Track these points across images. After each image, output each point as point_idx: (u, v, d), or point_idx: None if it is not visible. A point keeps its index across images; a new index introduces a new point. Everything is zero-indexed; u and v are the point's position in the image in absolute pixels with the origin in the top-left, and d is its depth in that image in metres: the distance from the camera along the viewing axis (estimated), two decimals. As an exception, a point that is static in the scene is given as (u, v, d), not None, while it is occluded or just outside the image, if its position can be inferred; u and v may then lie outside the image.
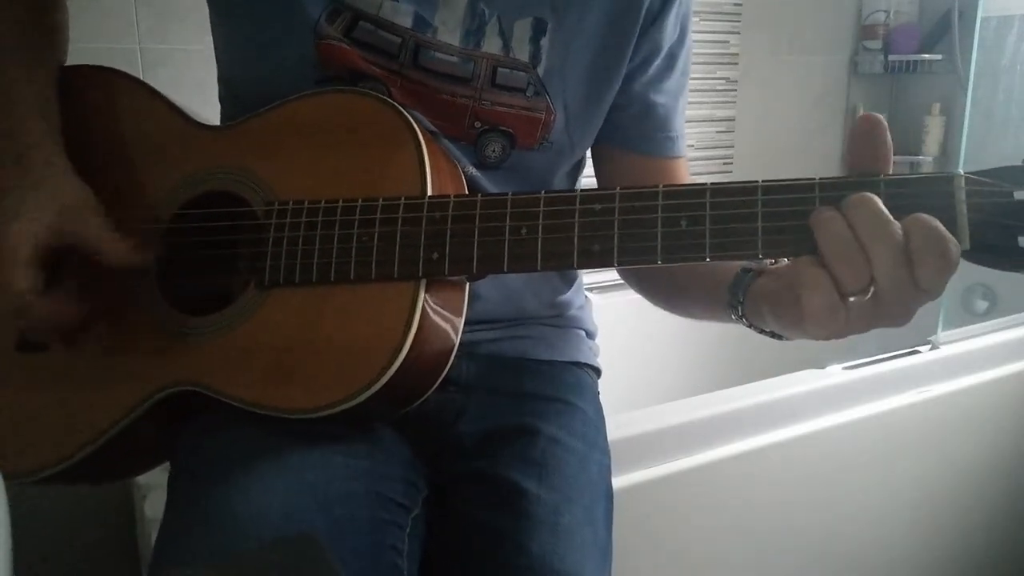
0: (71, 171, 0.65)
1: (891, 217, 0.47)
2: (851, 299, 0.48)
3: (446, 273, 0.58)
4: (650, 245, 0.53)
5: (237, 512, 0.55)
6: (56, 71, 0.70)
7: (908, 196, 0.49)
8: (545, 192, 0.57)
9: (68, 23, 0.74)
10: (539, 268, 0.56)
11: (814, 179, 0.51)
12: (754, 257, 0.52)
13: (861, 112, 2.24)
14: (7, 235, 0.60)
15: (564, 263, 0.56)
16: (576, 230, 0.55)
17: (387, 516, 0.60)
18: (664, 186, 0.54)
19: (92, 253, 0.63)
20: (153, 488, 1.02)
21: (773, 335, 0.60)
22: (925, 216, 0.47)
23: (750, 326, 0.61)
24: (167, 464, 0.71)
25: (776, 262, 0.59)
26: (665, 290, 0.77)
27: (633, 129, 0.76)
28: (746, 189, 0.52)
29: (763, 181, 0.52)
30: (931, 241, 0.46)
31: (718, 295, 0.62)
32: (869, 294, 0.48)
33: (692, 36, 0.78)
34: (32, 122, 0.65)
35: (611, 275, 0.82)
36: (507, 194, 0.58)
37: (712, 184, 0.53)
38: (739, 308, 0.60)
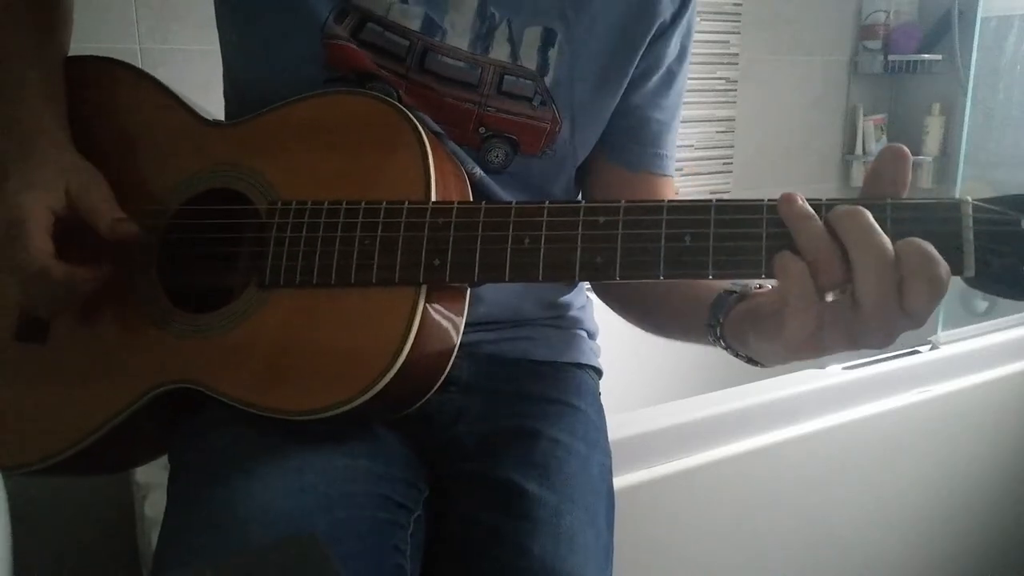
0: (77, 154, 0.65)
1: (880, 229, 0.47)
2: (828, 296, 0.48)
3: (447, 280, 0.58)
4: (653, 260, 0.53)
5: (239, 514, 0.54)
6: (61, 60, 0.70)
7: (914, 221, 0.49)
8: (549, 202, 0.57)
9: (72, 14, 0.74)
10: (540, 279, 0.56)
11: (821, 199, 0.51)
12: (757, 275, 0.52)
13: (861, 114, 2.24)
14: (20, 205, 0.60)
15: (566, 275, 0.56)
16: (579, 242, 0.55)
17: (388, 516, 0.60)
18: (669, 201, 0.54)
19: (99, 224, 0.63)
20: (153, 488, 1.02)
21: (749, 360, 0.60)
22: (919, 240, 0.47)
23: (726, 348, 0.61)
24: (166, 462, 0.71)
25: (762, 286, 0.59)
26: (640, 306, 0.77)
27: (624, 142, 0.76)
28: (751, 207, 0.52)
29: (768, 200, 0.52)
30: (922, 264, 0.46)
31: (697, 314, 0.62)
32: (846, 292, 0.48)
33: (691, 58, 0.77)
34: (38, 108, 0.65)
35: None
36: (511, 203, 0.58)
37: (717, 201, 0.53)
38: (717, 329, 0.60)
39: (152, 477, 1.02)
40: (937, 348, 1.33)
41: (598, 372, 0.86)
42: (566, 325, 0.83)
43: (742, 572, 1.17)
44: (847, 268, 0.47)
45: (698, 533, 1.11)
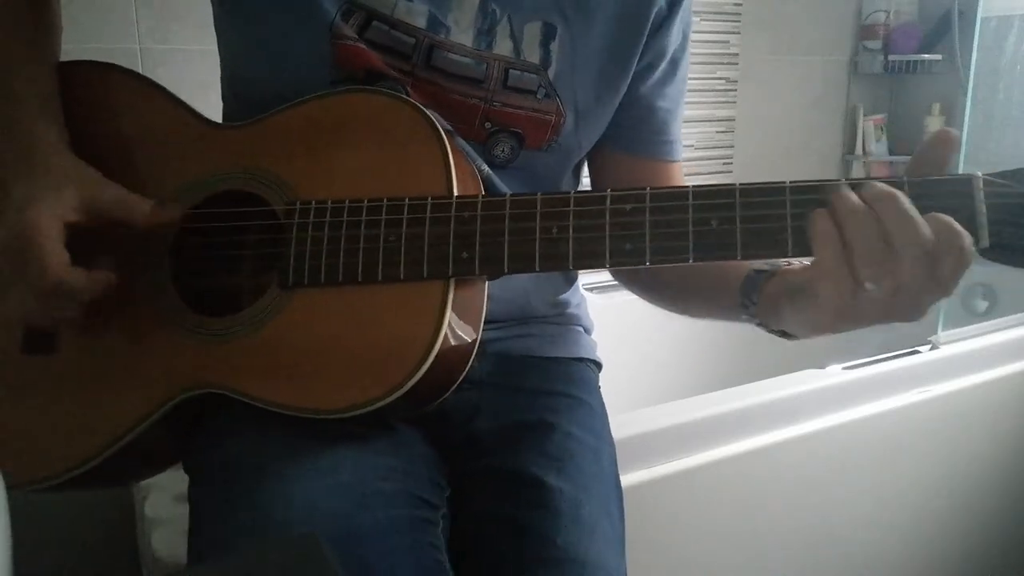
0: (75, 156, 0.64)
1: (919, 216, 0.49)
2: (868, 286, 0.50)
3: (477, 272, 0.58)
4: (682, 244, 0.54)
5: (283, 518, 0.54)
6: (55, 62, 0.69)
7: (930, 196, 0.51)
8: (575, 192, 0.58)
9: (61, 17, 0.73)
10: (571, 267, 0.57)
11: (840, 180, 0.52)
12: (784, 255, 0.53)
13: (861, 114, 2.24)
14: (29, 219, 0.59)
15: (596, 263, 0.57)
16: (608, 230, 0.56)
17: (421, 514, 0.61)
18: (694, 186, 0.55)
19: (123, 218, 0.62)
20: (153, 488, 1.02)
21: (783, 334, 0.62)
22: (943, 216, 0.49)
23: (760, 325, 0.63)
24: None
25: (791, 264, 0.60)
26: (667, 289, 0.78)
27: (632, 131, 0.77)
28: (775, 189, 0.53)
29: (791, 182, 0.53)
30: (951, 239, 0.48)
31: (727, 296, 0.64)
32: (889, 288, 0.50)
33: (692, 39, 0.78)
34: (35, 109, 0.65)
35: (609, 275, 0.83)
36: (536, 194, 0.58)
37: (741, 184, 0.54)
38: (751, 308, 0.62)
39: (153, 478, 1.02)
40: (937, 348, 1.33)
41: (598, 365, 0.86)
42: (565, 321, 0.84)
43: (742, 572, 1.17)
44: (896, 265, 0.49)
45: (698, 533, 1.11)
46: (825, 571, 1.26)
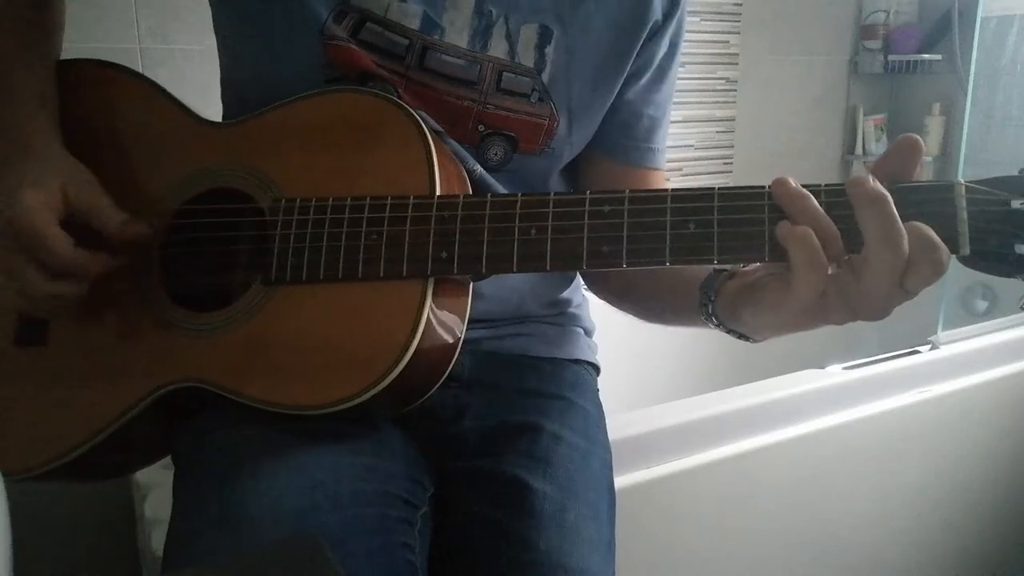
0: (71, 156, 0.65)
1: (902, 225, 0.49)
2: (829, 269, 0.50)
3: (455, 272, 0.58)
4: (659, 247, 0.54)
5: (252, 513, 0.54)
6: (54, 64, 0.70)
7: (911, 203, 0.50)
8: (554, 193, 0.58)
9: (64, 17, 0.74)
10: (548, 268, 0.57)
11: (820, 185, 0.52)
12: (761, 259, 0.53)
13: (861, 114, 2.24)
14: (21, 203, 0.60)
15: (573, 264, 0.57)
16: (585, 231, 0.56)
17: (396, 514, 0.60)
18: (673, 189, 0.55)
19: (108, 224, 0.63)
20: (153, 488, 1.02)
21: (741, 336, 0.62)
22: (922, 226, 0.49)
23: (718, 325, 0.62)
24: (167, 462, 0.71)
25: (746, 266, 0.61)
26: (633, 294, 0.78)
27: (616, 137, 0.77)
28: (753, 193, 0.53)
29: (769, 186, 0.53)
30: (927, 250, 0.48)
31: (688, 296, 0.64)
32: (844, 265, 0.51)
33: (682, 54, 0.79)
34: (33, 111, 0.65)
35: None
36: (517, 195, 0.59)
37: (720, 188, 0.54)
38: (709, 307, 0.62)
39: (152, 477, 1.02)
40: (937, 348, 1.32)
41: (596, 368, 0.86)
42: (564, 322, 0.83)
43: (742, 572, 1.17)
44: (846, 242, 0.50)
45: (698, 533, 1.11)
46: (825, 571, 1.26)
